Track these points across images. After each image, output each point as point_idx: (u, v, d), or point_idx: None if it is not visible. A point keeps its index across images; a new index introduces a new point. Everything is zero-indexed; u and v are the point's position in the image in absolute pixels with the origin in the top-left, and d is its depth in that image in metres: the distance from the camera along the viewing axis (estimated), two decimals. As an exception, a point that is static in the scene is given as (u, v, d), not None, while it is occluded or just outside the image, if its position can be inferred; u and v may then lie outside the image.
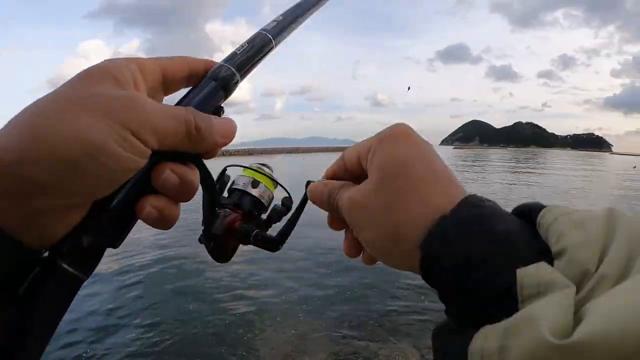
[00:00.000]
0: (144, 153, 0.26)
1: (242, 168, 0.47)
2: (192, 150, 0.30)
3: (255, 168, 0.47)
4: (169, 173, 0.29)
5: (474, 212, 0.26)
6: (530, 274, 0.21)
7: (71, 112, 0.24)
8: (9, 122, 0.24)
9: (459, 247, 0.24)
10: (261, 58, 0.41)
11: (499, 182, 20.32)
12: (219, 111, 0.36)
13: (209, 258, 0.41)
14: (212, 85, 0.35)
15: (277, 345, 3.83)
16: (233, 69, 0.37)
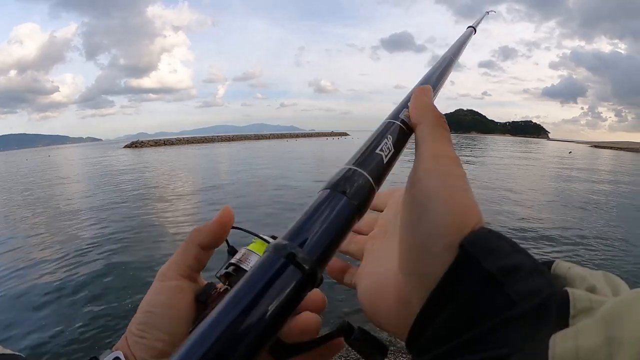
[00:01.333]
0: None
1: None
2: None
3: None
4: None
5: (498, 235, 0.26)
6: (579, 293, 0.21)
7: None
8: None
9: (505, 253, 0.24)
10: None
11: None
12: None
13: None
14: None
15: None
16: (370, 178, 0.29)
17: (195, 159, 38.85)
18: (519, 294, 0.22)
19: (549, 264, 0.26)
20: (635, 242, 8.94)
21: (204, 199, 14.08)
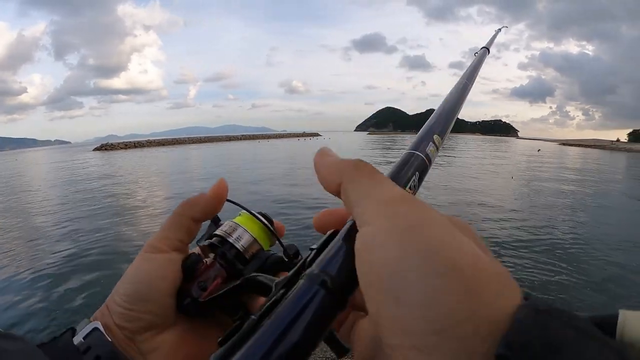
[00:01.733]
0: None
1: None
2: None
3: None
4: None
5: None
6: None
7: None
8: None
9: (573, 350, 0.16)
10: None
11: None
12: None
13: None
14: None
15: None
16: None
17: (167, 162, 38.31)
18: None
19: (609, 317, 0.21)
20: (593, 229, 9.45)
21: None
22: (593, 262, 7.47)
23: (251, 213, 0.42)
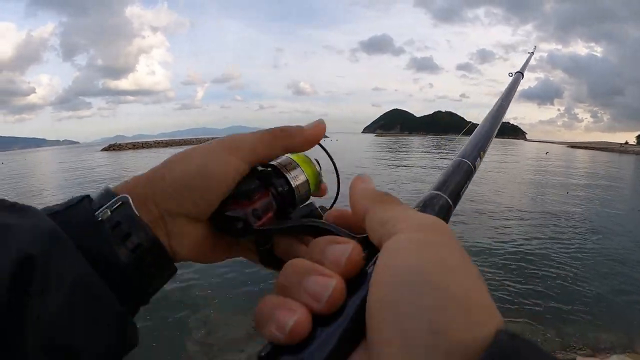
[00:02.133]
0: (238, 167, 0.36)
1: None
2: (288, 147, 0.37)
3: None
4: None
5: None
6: None
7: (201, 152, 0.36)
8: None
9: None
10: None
11: (421, 165, 24.36)
12: None
13: None
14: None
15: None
16: (446, 197, 0.37)
17: None
18: None
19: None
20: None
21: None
22: None
23: (335, 167, 0.41)
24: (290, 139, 0.38)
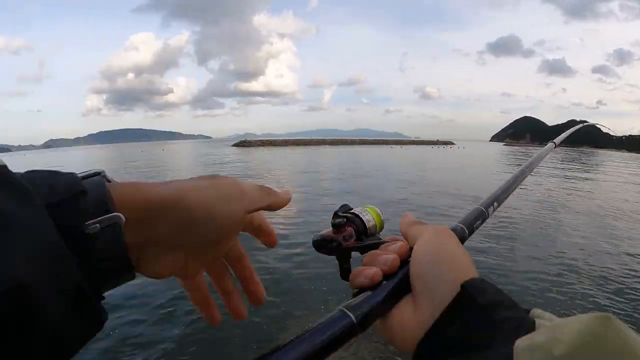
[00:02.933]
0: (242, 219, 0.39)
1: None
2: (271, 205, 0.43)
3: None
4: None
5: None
6: (541, 318, 0.33)
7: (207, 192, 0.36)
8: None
9: (491, 293, 0.37)
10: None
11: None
12: None
13: None
14: None
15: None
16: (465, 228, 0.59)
17: (308, 161, 38.90)
18: (501, 320, 0.33)
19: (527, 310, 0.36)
20: None
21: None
22: None
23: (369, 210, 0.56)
24: (275, 197, 0.43)
